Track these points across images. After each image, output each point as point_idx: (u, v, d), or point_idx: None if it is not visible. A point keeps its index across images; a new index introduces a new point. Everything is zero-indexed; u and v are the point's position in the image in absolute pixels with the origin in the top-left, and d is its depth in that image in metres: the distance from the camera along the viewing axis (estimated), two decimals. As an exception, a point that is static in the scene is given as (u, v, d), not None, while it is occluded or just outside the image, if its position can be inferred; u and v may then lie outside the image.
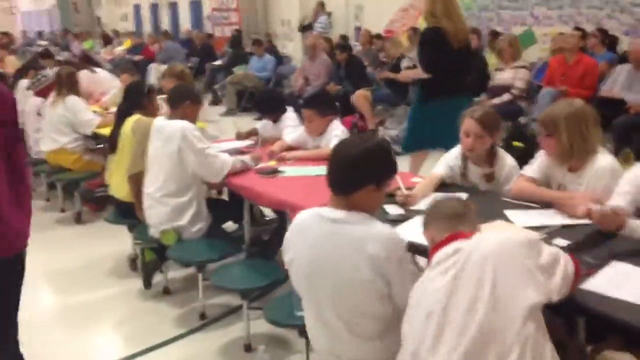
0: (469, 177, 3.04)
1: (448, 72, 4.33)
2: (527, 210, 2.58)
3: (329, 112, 3.79)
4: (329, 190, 1.99)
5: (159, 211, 3.24)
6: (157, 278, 3.56)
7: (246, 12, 13.43)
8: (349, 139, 2.20)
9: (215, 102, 10.43)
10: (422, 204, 2.60)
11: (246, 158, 3.41)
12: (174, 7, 16.58)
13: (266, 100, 4.29)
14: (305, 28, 12.11)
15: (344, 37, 9.76)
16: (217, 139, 4.40)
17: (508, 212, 2.55)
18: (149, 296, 3.52)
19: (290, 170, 3.36)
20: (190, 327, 3.16)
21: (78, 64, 6.57)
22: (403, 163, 2.93)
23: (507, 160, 2.98)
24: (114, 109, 5.75)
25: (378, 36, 10.14)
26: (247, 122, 8.68)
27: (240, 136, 4.28)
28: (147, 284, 3.50)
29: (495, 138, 2.97)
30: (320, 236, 1.97)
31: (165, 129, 3.26)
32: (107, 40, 14.55)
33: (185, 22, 16.10)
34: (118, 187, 3.79)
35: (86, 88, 6.27)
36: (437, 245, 1.79)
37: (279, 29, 13.33)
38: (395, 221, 2.46)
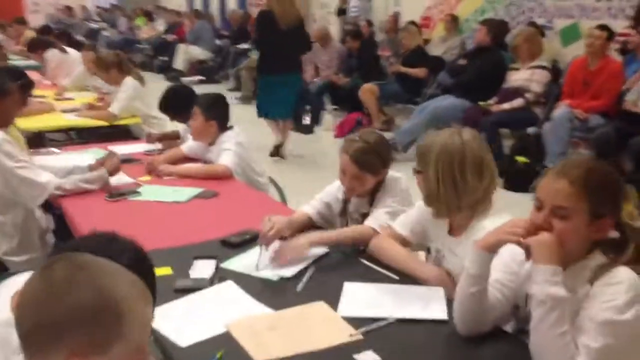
0: (352, 215, 2.33)
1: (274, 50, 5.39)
2: (370, 284, 1.85)
3: (215, 118, 3.12)
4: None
5: None
6: None
7: (284, -8, 12.75)
8: None
9: (237, 87, 9.90)
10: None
11: (89, 176, 2.77)
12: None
13: (171, 99, 3.65)
14: (341, 12, 11.34)
15: (369, 22, 8.91)
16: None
17: (347, 285, 1.82)
18: None
19: (149, 192, 2.73)
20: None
21: (47, 41, 6.16)
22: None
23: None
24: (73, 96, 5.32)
25: (412, 23, 9.26)
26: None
27: (150, 138, 3.68)
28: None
29: (382, 175, 2.23)
30: None
31: None
32: (149, 18, 14.31)
33: (233, 2, 15.63)
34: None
35: (53, 70, 5.88)
36: None
37: (318, 11, 12.60)
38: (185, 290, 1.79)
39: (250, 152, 3.21)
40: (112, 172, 2.80)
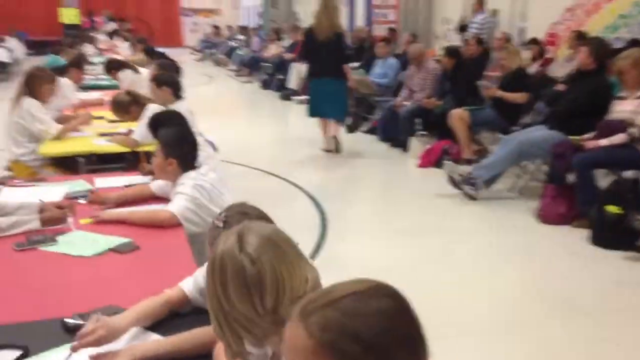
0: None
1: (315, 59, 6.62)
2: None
3: (174, 155, 2.73)
4: None
5: None
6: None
7: (405, 9, 12.20)
8: None
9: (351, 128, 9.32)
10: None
11: (26, 218, 2.52)
12: (351, 3, 15.96)
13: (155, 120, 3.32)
14: (463, 28, 10.53)
15: (479, 40, 8.03)
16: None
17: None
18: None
19: (66, 241, 2.41)
20: None
21: (122, 62, 6.27)
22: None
23: None
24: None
25: (534, 41, 8.27)
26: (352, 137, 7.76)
27: (145, 171, 3.41)
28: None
29: None
30: None
31: None
32: (277, 37, 14.50)
33: (361, 19, 15.37)
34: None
35: (125, 89, 5.93)
36: None
37: (439, 28, 11.86)
38: None
39: (220, 196, 2.79)
40: (49, 221, 2.55)
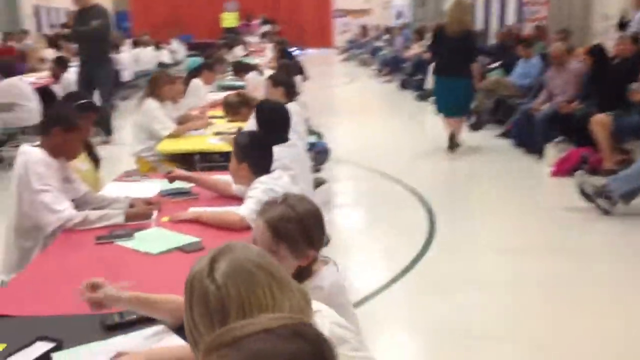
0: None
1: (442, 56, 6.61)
2: None
3: (247, 159, 2.72)
4: None
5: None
6: None
7: (558, 4, 11.30)
8: None
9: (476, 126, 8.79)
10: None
11: (113, 212, 2.67)
12: (502, 1, 15.16)
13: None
14: (622, 25, 9.52)
15: (635, 38, 7.18)
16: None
17: None
18: None
19: (142, 238, 2.50)
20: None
21: (249, 65, 6.47)
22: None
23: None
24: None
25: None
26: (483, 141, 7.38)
27: (170, 176, 3.18)
28: None
29: (307, 257, 1.65)
30: None
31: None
32: (420, 36, 14.21)
33: (512, 16, 14.55)
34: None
35: (251, 90, 6.13)
36: None
37: (598, 24, 10.83)
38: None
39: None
40: (133, 217, 2.68)
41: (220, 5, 22.55)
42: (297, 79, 6.20)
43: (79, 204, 2.86)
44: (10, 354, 1.62)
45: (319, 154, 5.24)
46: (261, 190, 2.63)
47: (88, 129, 3.23)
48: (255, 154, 2.75)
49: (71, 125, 2.77)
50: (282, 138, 3.31)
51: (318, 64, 19.30)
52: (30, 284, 2.12)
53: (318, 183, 4.55)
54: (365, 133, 8.69)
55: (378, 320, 3.24)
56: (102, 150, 6.63)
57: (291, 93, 4.83)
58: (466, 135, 7.30)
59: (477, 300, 3.46)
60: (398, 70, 13.68)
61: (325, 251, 4.03)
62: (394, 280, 3.73)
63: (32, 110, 6.53)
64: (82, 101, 3.30)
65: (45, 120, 2.81)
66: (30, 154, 2.70)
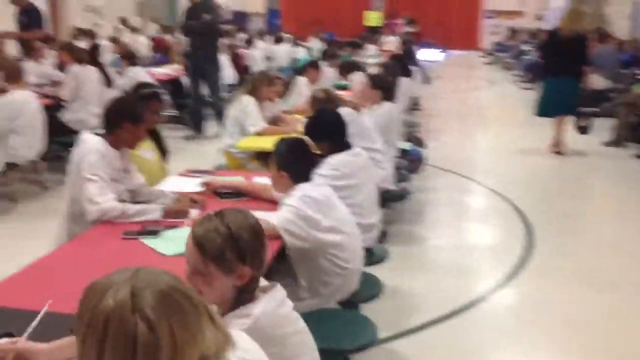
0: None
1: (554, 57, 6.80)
2: None
3: (287, 168, 2.58)
4: None
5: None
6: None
7: None
8: None
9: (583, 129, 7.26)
10: None
11: (151, 207, 2.67)
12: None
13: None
14: None
15: None
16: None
17: None
18: None
19: (166, 237, 2.45)
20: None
21: (355, 64, 6.27)
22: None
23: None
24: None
25: None
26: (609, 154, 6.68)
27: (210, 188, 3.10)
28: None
29: (242, 275, 1.51)
30: None
31: None
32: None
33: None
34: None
35: (356, 91, 5.98)
36: None
37: None
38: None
39: (333, 208, 2.57)
40: (170, 214, 2.68)
41: (365, 4, 22.59)
42: (404, 80, 5.92)
43: (133, 195, 2.92)
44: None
45: (412, 162, 4.96)
46: (297, 197, 2.49)
47: (154, 118, 3.28)
48: (294, 162, 2.61)
49: (140, 119, 2.82)
50: (341, 146, 3.14)
51: (459, 66, 18.65)
52: (38, 275, 2.14)
53: (401, 194, 4.30)
54: (481, 141, 8.21)
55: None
56: (191, 145, 6.98)
57: (388, 95, 4.67)
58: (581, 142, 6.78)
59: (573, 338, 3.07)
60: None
61: (409, 265, 3.87)
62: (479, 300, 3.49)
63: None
64: (146, 90, 3.36)
65: (114, 112, 2.83)
66: (88, 143, 2.77)
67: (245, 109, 4.67)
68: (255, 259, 1.54)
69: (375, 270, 3.13)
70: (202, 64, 7.01)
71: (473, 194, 5.70)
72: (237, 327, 1.45)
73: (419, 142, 5.83)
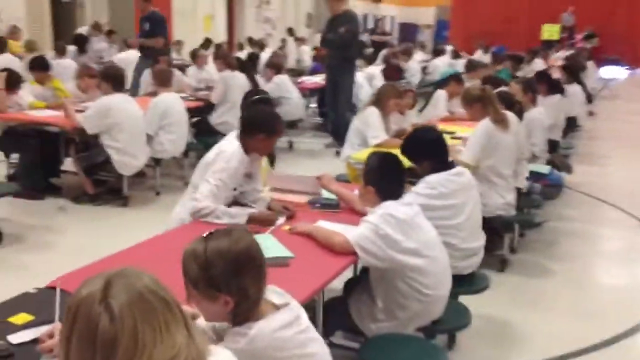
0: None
1: None
2: None
3: (373, 183, 2.52)
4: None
5: None
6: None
7: None
8: None
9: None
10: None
11: (239, 212, 2.73)
12: None
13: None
14: None
15: None
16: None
17: None
18: None
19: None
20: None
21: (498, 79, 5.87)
22: None
23: None
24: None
25: None
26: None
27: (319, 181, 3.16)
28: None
29: (224, 302, 1.51)
30: None
31: None
32: None
33: None
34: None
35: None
36: None
37: None
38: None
39: (416, 229, 2.43)
40: (255, 221, 2.73)
41: (544, 17, 21.32)
42: (556, 98, 5.46)
43: (242, 196, 3.03)
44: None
45: (548, 187, 4.55)
46: (379, 215, 2.41)
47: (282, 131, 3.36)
48: (382, 178, 2.53)
49: (274, 132, 2.92)
50: (442, 166, 2.98)
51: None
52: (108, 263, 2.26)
53: (530, 222, 3.96)
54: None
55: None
56: (329, 152, 6.91)
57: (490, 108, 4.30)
58: None
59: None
60: None
61: (520, 298, 3.48)
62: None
63: (297, 105, 7.17)
64: (259, 96, 3.45)
65: (251, 122, 2.92)
66: (230, 145, 2.88)
67: (367, 120, 4.62)
68: (232, 287, 1.47)
69: (473, 300, 2.92)
70: (335, 76, 7.04)
71: (620, 227, 5.07)
72: (231, 344, 1.43)
73: (564, 165, 5.35)
